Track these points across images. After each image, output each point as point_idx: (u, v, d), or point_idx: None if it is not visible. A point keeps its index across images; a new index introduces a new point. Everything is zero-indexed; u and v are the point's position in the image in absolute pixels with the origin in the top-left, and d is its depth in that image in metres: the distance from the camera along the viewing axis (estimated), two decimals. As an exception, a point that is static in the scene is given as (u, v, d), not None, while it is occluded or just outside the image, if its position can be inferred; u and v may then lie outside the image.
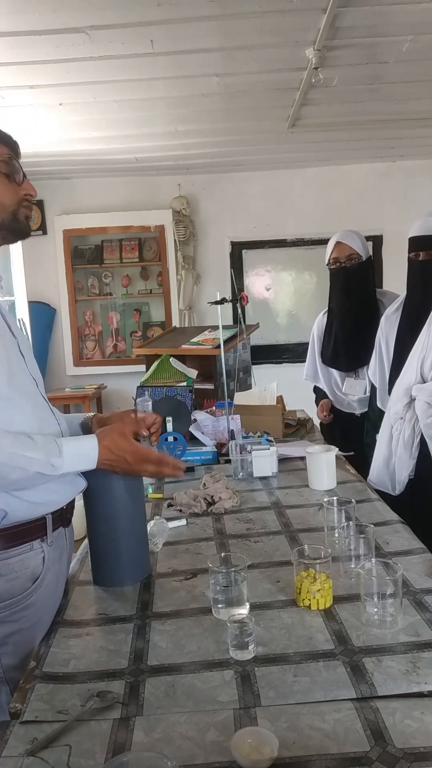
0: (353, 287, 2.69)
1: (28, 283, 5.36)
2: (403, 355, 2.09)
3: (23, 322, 4.64)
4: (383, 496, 1.95)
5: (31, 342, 5.34)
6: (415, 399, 1.85)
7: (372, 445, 2.35)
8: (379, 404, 2.34)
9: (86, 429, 1.51)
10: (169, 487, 2.04)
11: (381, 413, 2.31)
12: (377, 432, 2.31)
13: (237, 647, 1.07)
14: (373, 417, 2.43)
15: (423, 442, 1.87)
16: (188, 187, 5.47)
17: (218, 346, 2.63)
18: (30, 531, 1.24)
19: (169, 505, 1.87)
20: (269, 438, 2.32)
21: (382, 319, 2.38)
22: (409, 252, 2.19)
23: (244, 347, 3.17)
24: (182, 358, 3.05)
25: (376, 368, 2.37)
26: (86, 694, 0.99)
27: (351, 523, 1.42)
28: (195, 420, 2.55)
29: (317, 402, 3.00)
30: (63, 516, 1.33)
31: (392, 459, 1.94)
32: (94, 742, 0.89)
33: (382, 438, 2.02)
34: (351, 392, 2.76)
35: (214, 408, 2.64)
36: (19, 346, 1.32)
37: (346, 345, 2.74)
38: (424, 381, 1.83)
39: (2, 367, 1.21)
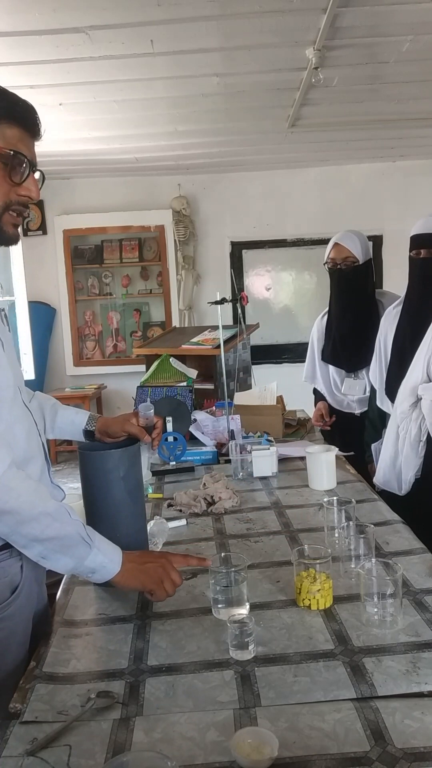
0: (349, 289, 2.69)
1: (28, 283, 5.37)
2: (403, 353, 2.08)
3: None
4: (388, 495, 1.95)
5: (31, 342, 5.35)
6: (421, 398, 1.85)
7: (372, 445, 2.35)
8: (378, 404, 2.34)
9: (89, 436, 1.50)
10: (169, 487, 2.04)
11: (380, 413, 2.30)
12: (377, 432, 2.30)
13: (237, 647, 1.07)
14: (372, 417, 2.43)
15: (429, 441, 1.87)
16: (188, 187, 5.47)
17: (218, 346, 2.63)
18: None
19: (169, 505, 1.87)
20: (269, 438, 2.32)
21: (382, 320, 2.37)
22: (410, 250, 2.19)
23: (244, 347, 3.17)
24: (182, 358, 3.05)
25: (377, 369, 2.37)
26: (86, 695, 0.99)
27: (351, 523, 1.42)
28: (195, 420, 2.54)
29: (317, 404, 2.99)
30: None
31: (399, 459, 1.94)
32: (94, 742, 0.89)
33: (388, 438, 2.01)
34: (350, 392, 2.76)
35: (214, 408, 2.64)
36: (3, 347, 1.20)
37: (345, 346, 2.74)
38: (430, 380, 1.83)
39: None
